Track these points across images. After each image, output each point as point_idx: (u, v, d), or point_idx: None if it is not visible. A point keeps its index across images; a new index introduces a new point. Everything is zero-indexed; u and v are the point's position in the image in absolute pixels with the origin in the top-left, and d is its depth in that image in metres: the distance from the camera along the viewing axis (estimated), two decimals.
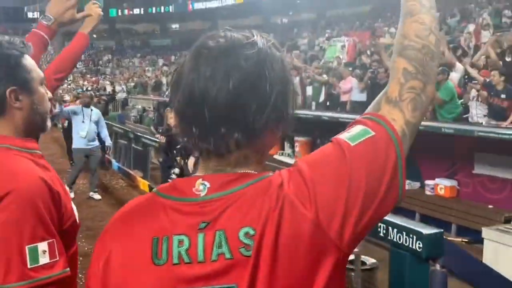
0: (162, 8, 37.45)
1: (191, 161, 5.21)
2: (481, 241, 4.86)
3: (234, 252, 0.73)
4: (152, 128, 9.36)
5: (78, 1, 1.69)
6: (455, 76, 7.04)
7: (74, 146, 7.26)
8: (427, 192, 6.35)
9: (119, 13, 39.17)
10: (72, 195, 7.26)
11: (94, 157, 7.30)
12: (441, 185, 6.17)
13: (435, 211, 6.02)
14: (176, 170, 5.42)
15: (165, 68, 26.45)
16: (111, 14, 39.37)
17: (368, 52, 11.51)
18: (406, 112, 0.85)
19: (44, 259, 1.03)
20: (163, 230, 0.75)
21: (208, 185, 0.76)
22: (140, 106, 17.29)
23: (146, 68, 25.96)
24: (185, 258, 0.73)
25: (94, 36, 42.34)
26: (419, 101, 0.86)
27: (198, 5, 36.18)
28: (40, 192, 1.07)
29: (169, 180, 5.05)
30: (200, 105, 0.74)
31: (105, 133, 7.44)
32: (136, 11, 38.66)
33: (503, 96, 6.03)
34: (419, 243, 2.88)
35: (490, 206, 5.66)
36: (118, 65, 34.69)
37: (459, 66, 7.47)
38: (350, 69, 9.24)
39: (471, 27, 10.77)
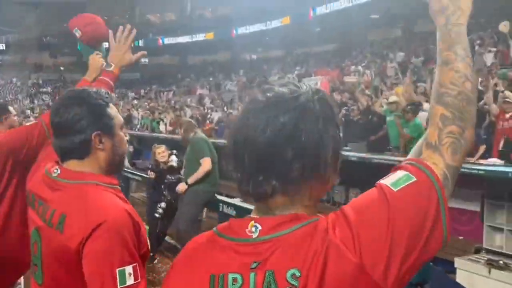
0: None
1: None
2: (454, 271, 5.15)
3: None
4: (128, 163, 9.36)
5: (129, 46, 1.91)
6: (422, 115, 7.47)
7: None
8: None
9: None
10: None
11: None
12: None
13: None
14: (163, 205, 5.54)
15: (135, 101, 26.49)
16: (79, 47, 39.29)
17: (339, 90, 12.00)
18: (446, 156, 0.90)
19: (130, 281, 1.19)
20: (219, 267, 0.83)
21: (259, 227, 0.84)
22: None
23: (117, 102, 25.88)
24: None
25: (62, 68, 42.06)
26: (458, 145, 0.91)
27: (169, 40, 36.60)
28: (126, 222, 1.24)
29: (155, 214, 5.17)
30: (241, 152, 0.84)
31: None
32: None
33: None
34: None
35: (461, 238, 5.97)
36: None
37: (426, 105, 7.94)
38: None
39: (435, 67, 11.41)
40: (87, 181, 1.35)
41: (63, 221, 1.28)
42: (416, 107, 7.35)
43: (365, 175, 6.17)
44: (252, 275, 0.80)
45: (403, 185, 0.85)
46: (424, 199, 0.84)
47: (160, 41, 35.66)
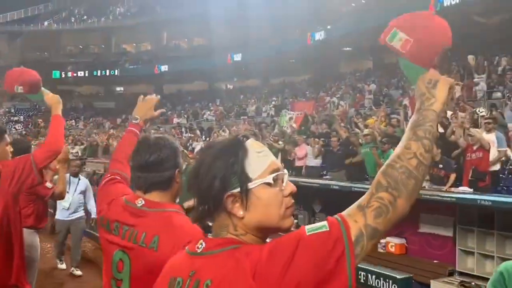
0: (108, 71, 37.77)
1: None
2: None
3: None
4: None
5: (155, 103, 2.29)
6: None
7: (56, 217, 6.91)
8: (380, 250, 6.96)
9: (63, 75, 39.04)
10: (63, 266, 6.98)
11: (76, 229, 6.81)
12: (392, 243, 6.79)
13: (386, 266, 6.64)
14: None
15: (111, 131, 26.45)
16: (54, 76, 39.17)
17: (316, 120, 12.52)
18: (368, 217, 1.01)
19: None
20: (175, 272, 1.13)
21: (204, 245, 1.11)
22: (90, 169, 17.22)
23: (94, 131, 25.81)
24: None
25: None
26: (383, 210, 1.02)
27: (144, 69, 36.75)
28: None
29: None
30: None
31: (92, 204, 6.88)
32: (81, 73, 38.71)
33: (440, 166, 6.92)
34: (394, 286, 3.45)
35: (435, 261, 6.36)
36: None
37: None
38: (305, 136, 10.09)
39: (406, 100, 12.08)
40: (168, 209, 1.71)
41: (157, 241, 1.60)
42: (391, 139, 7.83)
43: (346, 203, 6.56)
44: (188, 280, 1.07)
45: (315, 232, 1.00)
46: (327, 246, 0.97)
47: (157, 68, 35.09)
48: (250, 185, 1.07)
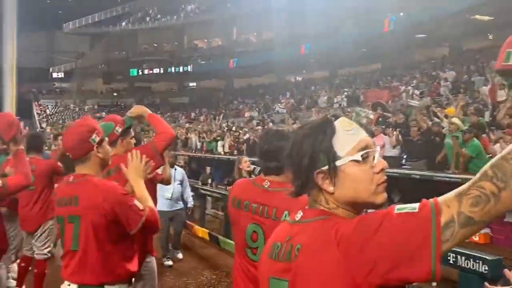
0: (181, 68, 39.22)
1: None
2: None
3: (292, 258, 1.13)
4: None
5: None
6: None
7: (158, 208, 7.21)
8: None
9: (140, 73, 41.10)
10: (170, 263, 6.64)
11: (178, 219, 6.84)
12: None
13: None
14: None
15: (187, 125, 27.59)
16: (131, 74, 41.35)
17: (392, 110, 12.45)
18: (463, 204, 0.98)
19: None
20: (277, 238, 1.24)
21: (301, 214, 1.21)
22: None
23: (172, 125, 27.05)
24: (276, 256, 1.19)
25: (115, 94, 44.20)
26: (483, 199, 0.97)
27: (216, 64, 37.61)
28: None
29: None
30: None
31: (188, 194, 6.93)
32: (156, 70, 40.53)
33: None
34: (484, 267, 3.57)
35: None
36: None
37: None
38: (383, 126, 10.13)
39: (486, 88, 11.70)
40: (289, 188, 2.04)
41: (288, 215, 1.94)
42: (476, 129, 7.71)
43: (425, 192, 6.62)
44: (285, 244, 1.17)
45: (403, 211, 1.00)
46: (411, 226, 0.98)
47: (233, 63, 35.67)
48: (338, 163, 1.13)
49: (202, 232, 7.84)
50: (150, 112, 3.30)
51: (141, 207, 2.26)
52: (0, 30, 41.11)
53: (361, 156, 1.13)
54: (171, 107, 39.46)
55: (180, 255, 6.98)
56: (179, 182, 6.73)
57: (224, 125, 22.90)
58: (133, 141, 3.48)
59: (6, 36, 40.27)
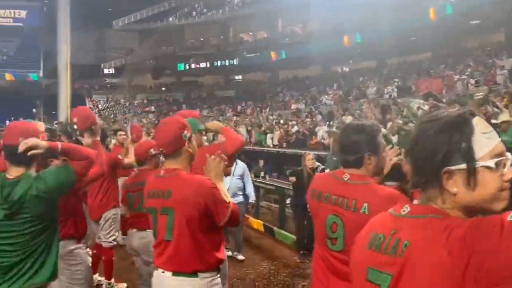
0: (227, 61, 39.58)
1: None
2: None
3: (398, 253, 1.11)
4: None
5: None
6: None
7: None
8: None
9: (187, 67, 41.82)
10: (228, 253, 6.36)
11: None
12: None
13: None
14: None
15: (234, 118, 27.90)
16: (179, 68, 42.14)
17: (446, 100, 12.12)
18: None
19: None
20: (377, 229, 1.23)
21: (408, 209, 1.19)
22: None
23: (220, 118, 27.45)
24: (377, 248, 1.19)
25: (163, 89, 45.24)
26: None
27: (261, 57, 37.66)
28: None
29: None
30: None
31: (250, 189, 6.78)
32: (202, 65, 41.12)
33: None
34: None
35: None
36: None
37: None
38: None
39: None
40: (369, 181, 2.13)
41: (367, 207, 2.02)
42: None
43: None
44: (389, 238, 1.16)
45: None
46: None
47: (278, 55, 35.39)
48: (473, 166, 1.09)
49: (257, 223, 7.99)
50: (223, 126, 3.69)
51: (227, 200, 2.39)
52: (55, 31, 42.95)
53: (495, 163, 1.10)
54: (217, 100, 39.95)
55: (240, 257, 6.71)
56: (238, 177, 6.62)
57: (271, 117, 22.99)
58: (204, 138, 3.71)
59: (61, 35, 41.99)
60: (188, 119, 2.89)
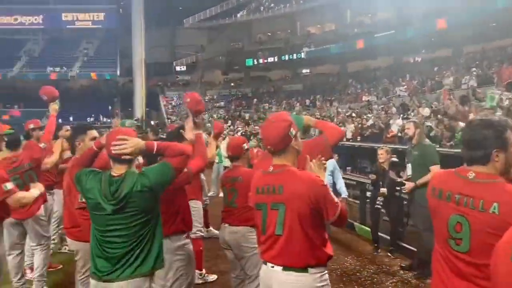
0: (295, 55, 39.46)
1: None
2: None
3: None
4: None
5: None
6: None
7: None
8: None
9: (255, 62, 42.19)
10: None
11: None
12: None
13: None
14: (381, 198, 6.37)
15: (304, 112, 27.79)
16: (247, 64, 42.63)
17: None
18: None
19: None
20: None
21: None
22: None
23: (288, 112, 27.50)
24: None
25: (232, 84, 46.01)
26: None
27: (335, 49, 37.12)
28: None
29: (376, 206, 5.82)
30: None
31: (340, 184, 6.73)
32: (270, 59, 41.30)
33: None
34: None
35: None
36: (257, 110, 37.03)
37: None
38: None
39: None
40: (498, 180, 2.04)
41: (498, 207, 1.96)
42: None
43: None
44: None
45: None
46: None
47: (347, 46, 34.92)
48: None
49: None
50: (316, 120, 3.67)
51: (335, 199, 2.45)
52: (130, 31, 44.81)
53: None
54: (286, 94, 40.00)
55: None
56: (329, 173, 6.49)
57: (343, 110, 22.68)
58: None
59: (135, 35, 43.84)
60: (293, 115, 2.96)
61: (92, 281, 2.78)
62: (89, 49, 48.26)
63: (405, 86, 24.79)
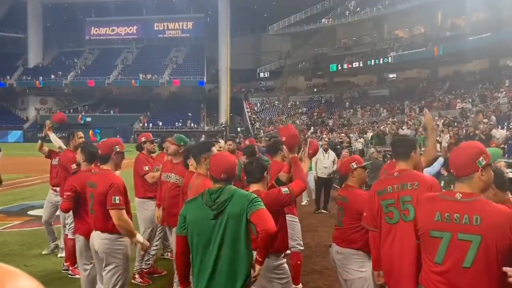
0: (381, 59, 38.37)
1: None
2: None
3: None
4: None
5: None
6: None
7: None
8: None
9: (339, 68, 41.65)
10: None
11: None
12: None
13: None
14: None
15: (391, 119, 26.91)
16: (331, 69, 42.20)
17: None
18: None
19: None
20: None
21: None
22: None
23: (374, 119, 26.81)
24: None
25: (315, 90, 45.78)
26: None
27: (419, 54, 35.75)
28: None
29: None
30: None
31: None
32: (355, 64, 40.52)
33: None
34: None
35: None
36: (340, 116, 36.48)
37: None
38: None
39: None
40: None
41: None
42: None
43: None
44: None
45: None
46: None
47: (438, 50, 33.47)
48: None
49: None
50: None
51: None
52: (216, 37, 46.80)
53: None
54: (370, 100, 39.01)
55: None
56: None
57: (436, 118, 21.62)
58: None
59: (221, 41, 45.79)
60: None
61: None
62: (178, 57, 50.49)
63: (504, 93, 23.11)
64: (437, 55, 33.24)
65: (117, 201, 3.63)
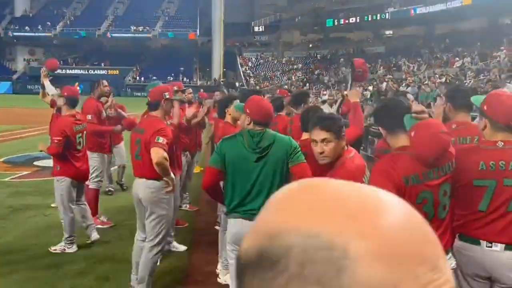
0: (378, 15, 37.74)
1: None
2: None
3: None
4: None
5: None
6: None
7: None
8: None
9: (335, 23, 40.92)
10: None
11: None
12: None
13: None
14: None
15: (388, 76, 26.73)
16: (328, 24, 41.45)
17: None
18: None
19: None
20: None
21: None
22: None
23: (371, 76, 26.57)
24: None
25: (310, 45, 45.12)
26: None
27: (421, 10, 35.14)
28: None
29: None
30: None
31: None
32: (352, 20, 39.82)
33: None
34: None
35: None
36: (336, 73, 36.17)
37: None
38: None
39: None
40: None
41: None
42: None
43: None
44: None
45: None
46: None
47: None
48: None
49: None
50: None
51: None
52: None
53: None
54: (366, 57, 38.54)
55: None
56: None
57: (435, 75, 21.49)
58: None
59: None
60: None
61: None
62: (170, 8, 49.11)
63: (504, 51, 22.96)
64: (435, 11, 32.83)
65: (160, 141, 3.56)
